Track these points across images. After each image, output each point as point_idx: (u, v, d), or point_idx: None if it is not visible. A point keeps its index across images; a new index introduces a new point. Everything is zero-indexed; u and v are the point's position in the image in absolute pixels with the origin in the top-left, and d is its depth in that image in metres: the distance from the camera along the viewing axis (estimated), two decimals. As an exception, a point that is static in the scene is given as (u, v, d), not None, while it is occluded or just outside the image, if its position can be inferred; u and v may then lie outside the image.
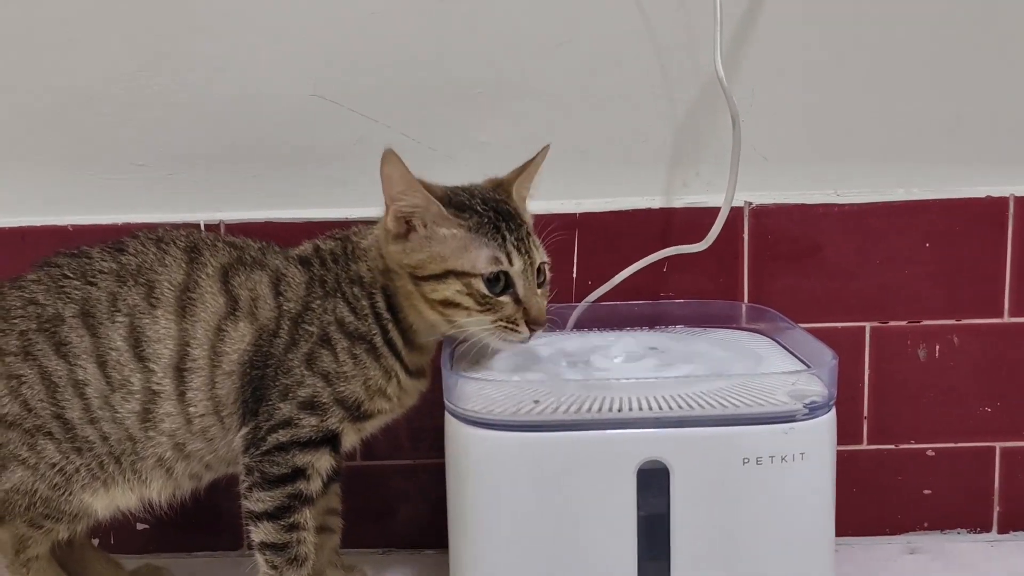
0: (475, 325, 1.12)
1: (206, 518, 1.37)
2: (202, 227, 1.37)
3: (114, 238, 1.22)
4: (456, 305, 1.12)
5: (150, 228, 1.23)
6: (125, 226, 1.36)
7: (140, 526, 1.42)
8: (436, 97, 1.38)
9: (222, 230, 1.38)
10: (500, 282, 1.12)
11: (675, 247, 1.36)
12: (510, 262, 1.12)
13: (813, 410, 1.05)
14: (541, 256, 1.16)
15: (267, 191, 1.40)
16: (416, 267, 1.13)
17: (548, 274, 1.18)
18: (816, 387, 1.08)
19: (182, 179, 1.40)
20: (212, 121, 1.38)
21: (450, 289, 1.12)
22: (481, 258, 1.12)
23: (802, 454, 1.04)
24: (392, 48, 1.36)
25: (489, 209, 1.15)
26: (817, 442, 1.06)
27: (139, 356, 1.15)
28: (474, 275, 1.11)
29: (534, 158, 1.21)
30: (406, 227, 1.14)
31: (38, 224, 1.39)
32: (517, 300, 1.13)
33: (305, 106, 1.37)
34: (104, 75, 1.37)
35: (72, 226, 1.39)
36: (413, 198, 1.12)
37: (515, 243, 1.13)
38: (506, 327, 1.12)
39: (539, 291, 1.15)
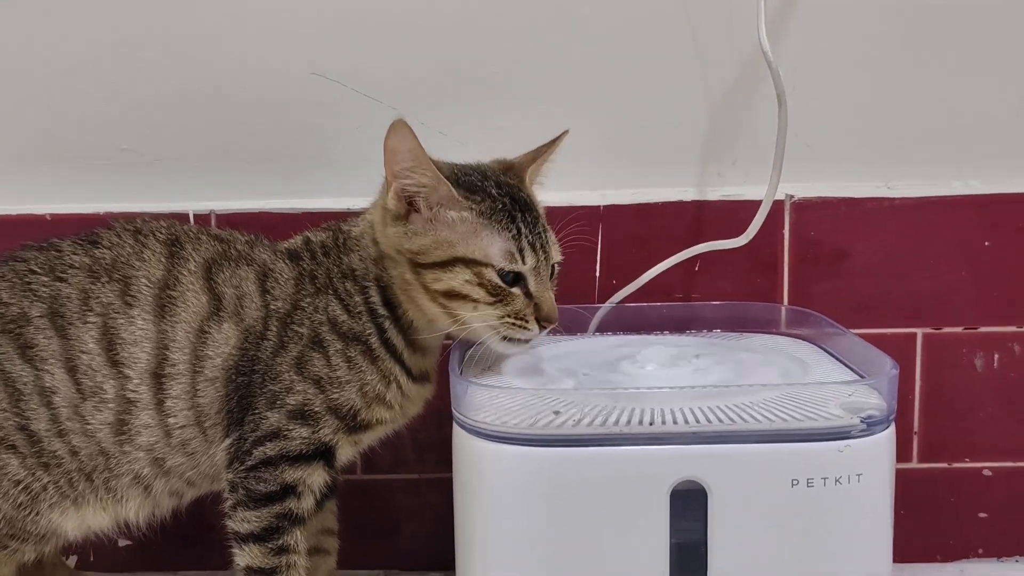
0: (479, 321, 1.05)
1: (193, 534, 1.29)
2: (191, 218, 1.32)
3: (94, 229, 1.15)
4: (463, 297, 1.04)
5: (129, 218, 1.16)
6: (107, 215, 1.29)
7: (122, 542, 1.35)
8: (447, 76, 1.31)
9: (212, 221, 1.32)
10: (511, 275, 1.05)
11: (710, 243, 1.29)
12: (523, 260, 1.05)
13: (871, 425, 0.98)
14: (557, 255, 1.10)
15: (262, 179, 1.34)
16: (418, 253, 1.05)
17: (557, 268, 1.11)
18: (873, 399, 1.00)
19: (169, 165, 1.34)
20: (203, 101, 1.32)
21: (457, 279, 1.04)
22: (494, 248, 1.04)
23: (858, 475, 0.97)
24: (400, 22, 1.30)
25: (504, 195, 1.07)
26: (875, 461, 0.99)
27: (113, 361, 1.07)
28: (486, 264, 1.04)
29: (552, 142, 1.14)
30: (407, 208, 1.06)
31: (12, 213, 1.33)
32: (528, 294, 1.06)
33: (304, 85, 1.31)
34: (85, 50, 1.31)
35: (50, 215, 1.33)
36: (421, 176, 1.04)
37: (530, 239, 1.06)
38: (515, 324, 1.05)
39: (554, 289, 1.09)
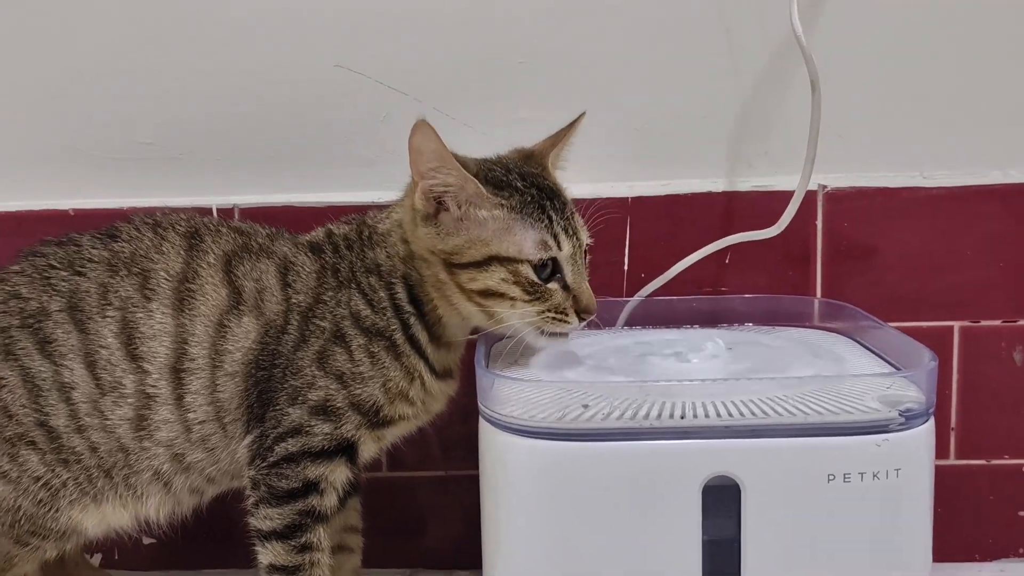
0: (518, 317, 1.03)
1: (218, 532, 1.27)
2: (214, 212, 1.31)
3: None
4: (500, 295, 1.03)
5: (149, 212, 1.15)
6: (131, 210, 1.27)
7: (146, 540, 1.34)
8: (473, 68, 1.29)
9: (236, 215, 1.31)
10: (547, 268, 1.03)
11: (741, 234, 1.27)
12: (559, 246, 1.03)
13: (909, 419, 0.95)
14: (587, 237, 1.08)
15: (286, 172, 1.32)
16: (452, 253, 1.03)
17: (588, 256, 1.09)
18: (912, 392, 0.98)
19: (193, 159, 1.33)
20: (225, 95, 1.31)
21: (493, 277, 1.02)
22: (528, 242, 1.02)
23: (897, 470, 0.94)
24: (424, 13, 1.28)
25: (530, 186, 1.05)
26: (914, 456, 0.96)
27: (132, 355, 1.06)
28: (521, 261, 1.02)
29: (570, 126, 1.13)
30: (436, 207, 1.04)
31: (36, 208, 1.33)
32: (565, 287, 1.04)
33: (328, 78, 1.30)
34: (109, 45, 1.30)
35: (73, 210, 1.32)
36: (447, 175, 1.02)
37: (563, 224, 1.04)
38: (555, 318, 1.03)
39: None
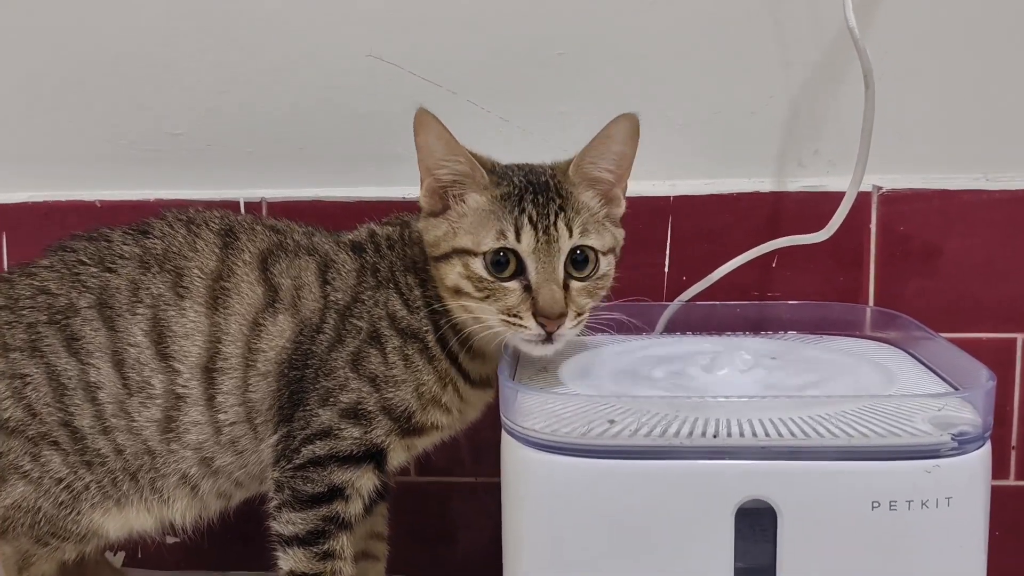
0: (488, 317, 0.99)
1: (245, 532, 1.24)
2: (242, 205, 1.31)
3: (146, 215, 1.15)
4: (460, 292, 1.00)
5: (182, 207, 1.15)
6: (158, 202, 1.31)
7: (170, 540, 1.33)
8: (509, 59, 1.27)
9: (264, 209, 1.31)
10: (508, 264, 0.98)
11: (789, 237, 1.24)
12: (518, 238, 0.98)
13: (963, 443, 0.90)
14: (576, 238, 1.00)
15: (315, 165, 1.32)
16: (432, 245, 1.03)
17: (602, 265, 1.02)
18: (967, 414, 0.93)
19: (221, 151, 1.32)
20: (255, 86, 1.30)
21: (453, 271, 1.00)
22: (491, 233, 0.99)
23: (948, 499, 0.89)
24: (459, 2, 1.26)
25: (525, 181, 1.02)
26: (967, 484, 0.91)
27: (162, 354, 1.05)
28: (474, 253, 0.99)
29: (604, 128, 1.03)
30: (442, 205, 1.02)
31: (63, 199, 1.33)
32: (527, 287, 0.98)
33: (360, 68, 1.28)
34: (137, 33, 1.30)
35: (100, 202, 1.33)
36: (455, 163, 1.00)
37: (534, 217, 0.98)
38: (507, 320, 0.98)
39: (583, 283, 1.00)
